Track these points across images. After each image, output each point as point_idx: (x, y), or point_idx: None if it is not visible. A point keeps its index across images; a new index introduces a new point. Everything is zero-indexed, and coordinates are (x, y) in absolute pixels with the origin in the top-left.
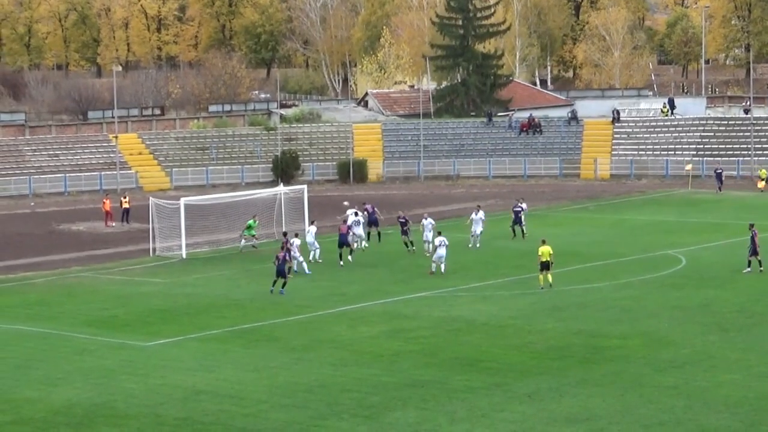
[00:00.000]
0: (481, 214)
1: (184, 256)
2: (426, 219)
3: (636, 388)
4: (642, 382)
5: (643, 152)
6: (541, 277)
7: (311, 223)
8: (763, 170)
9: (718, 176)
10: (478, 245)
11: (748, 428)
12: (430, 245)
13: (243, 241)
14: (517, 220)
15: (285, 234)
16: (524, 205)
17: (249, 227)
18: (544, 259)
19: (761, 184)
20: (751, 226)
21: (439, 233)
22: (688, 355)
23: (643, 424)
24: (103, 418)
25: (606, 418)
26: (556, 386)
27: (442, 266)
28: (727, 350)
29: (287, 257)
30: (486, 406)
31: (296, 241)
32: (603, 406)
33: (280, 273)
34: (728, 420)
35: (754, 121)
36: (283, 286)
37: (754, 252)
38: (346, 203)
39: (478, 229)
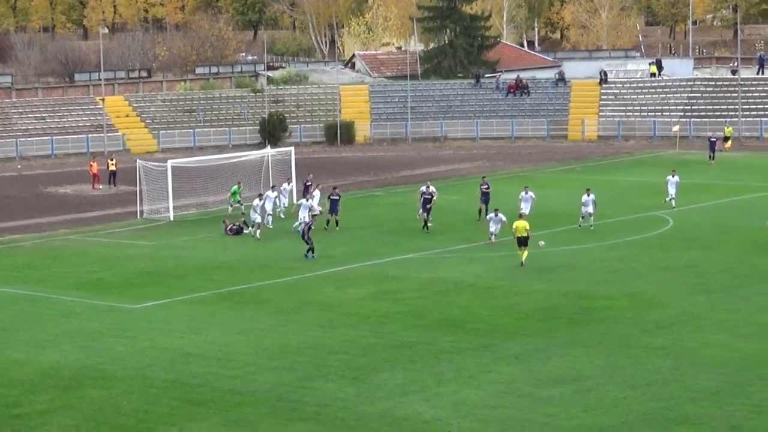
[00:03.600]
0: (592, 196)
1: (171, 218)
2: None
3: (623, 348)
4: (629, 343)
5: (631, 113)
6: (520, 252)
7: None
8: (729, 128)
9: (712, 145)
10: (589, 225)
11: (734, 388)
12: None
13: (230, 208)
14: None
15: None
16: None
17: (233, 193)
18: (519, 235)
19: (728, 144)
20: None
21: (496, 211)
22: (675, 316)
23: (630, 385)
24: (91, 380)
25: (593, 378)
26: (544, 347)
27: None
28: (714, 311)
29: (311, 225)
30: (473, 367)
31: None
32: (590, 367)
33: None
34: (714, 380)
35: (742, 82)
36: (308, 251)
37: None
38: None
39: (590, 209)
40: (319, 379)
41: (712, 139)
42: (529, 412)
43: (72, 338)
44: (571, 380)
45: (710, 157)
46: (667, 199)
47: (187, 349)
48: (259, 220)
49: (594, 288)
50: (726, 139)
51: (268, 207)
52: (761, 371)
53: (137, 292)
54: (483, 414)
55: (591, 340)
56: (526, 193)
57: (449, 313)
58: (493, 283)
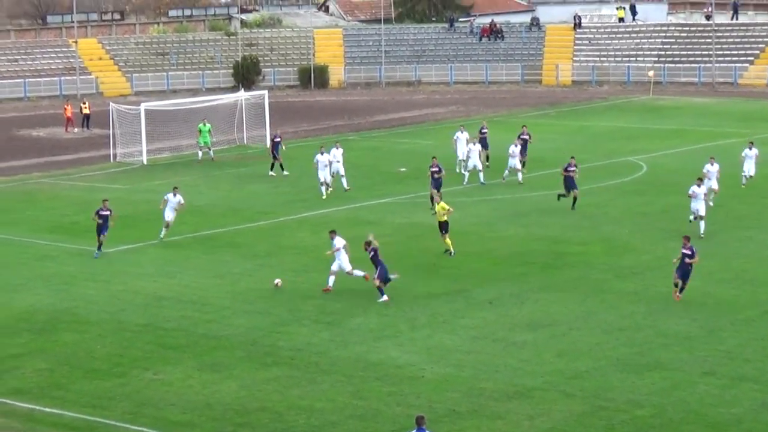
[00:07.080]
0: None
1: (144, 162)
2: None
3: (597, 294)
4: (603, 288)
5: (605, 58)
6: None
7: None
8: None
9: None
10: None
11: (708, 334)
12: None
13: (200, 153)
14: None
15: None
16: None
17: (200, 131)
18: (441, 219)
19: None
20: None
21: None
22: (649, 262)
23: (604, 330)
24: (65, 324)
25: (567, 323)
26: (518, 292)
27: None
28: None
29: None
30: (447, 313)
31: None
32: (564, 312)
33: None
34: (688, 326)
35: (716, 28)
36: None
37: None
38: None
39: (751, 168)
40: (294, 323)
41: None
42: (503, 357)
43: (46, 282)
44: (545, 325)
45: None
46: (744, 177)
47: (160, 293)
48: None
49: (568, 233)
50: None
51: (322, 175)
52: (734, 317)
53: (111, 236)
54: (456, 359)
55: (565, 286)
56: (750, 149)
57: (423, 258)
58: (468, 228)
